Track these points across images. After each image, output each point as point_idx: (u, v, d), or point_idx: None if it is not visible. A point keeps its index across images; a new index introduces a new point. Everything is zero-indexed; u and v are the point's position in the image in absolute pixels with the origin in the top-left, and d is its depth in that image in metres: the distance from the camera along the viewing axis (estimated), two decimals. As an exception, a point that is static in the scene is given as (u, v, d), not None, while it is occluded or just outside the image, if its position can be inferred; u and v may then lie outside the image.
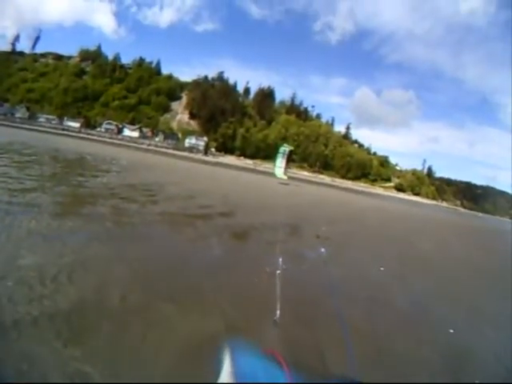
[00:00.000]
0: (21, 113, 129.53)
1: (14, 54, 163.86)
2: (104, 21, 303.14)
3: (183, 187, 25.58)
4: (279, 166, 51.71)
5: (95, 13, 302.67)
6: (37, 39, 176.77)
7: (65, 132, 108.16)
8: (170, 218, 14.48)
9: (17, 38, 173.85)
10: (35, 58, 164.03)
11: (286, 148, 53.60)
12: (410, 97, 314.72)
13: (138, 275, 7.73)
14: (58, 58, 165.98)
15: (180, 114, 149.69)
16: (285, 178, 50.17)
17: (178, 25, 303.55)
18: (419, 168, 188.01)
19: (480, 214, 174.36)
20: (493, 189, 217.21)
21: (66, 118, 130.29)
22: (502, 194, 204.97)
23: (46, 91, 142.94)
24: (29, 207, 11.97)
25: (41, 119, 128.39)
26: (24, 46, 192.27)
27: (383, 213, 47.99)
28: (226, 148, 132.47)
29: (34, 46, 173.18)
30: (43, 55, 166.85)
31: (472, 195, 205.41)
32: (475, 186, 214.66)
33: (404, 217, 49.71)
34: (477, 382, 5.85)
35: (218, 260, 9.86)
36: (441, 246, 23.72)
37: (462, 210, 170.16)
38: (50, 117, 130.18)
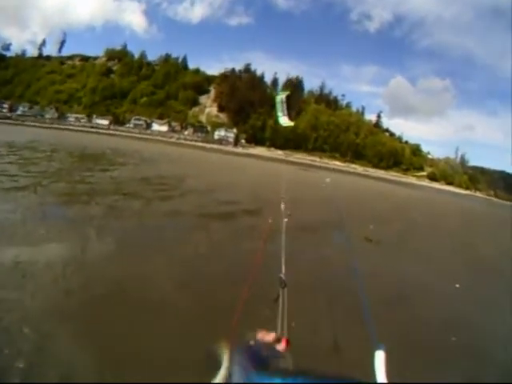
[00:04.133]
0: (50, 114, 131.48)
1: (41, 59, 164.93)
2: (134, 20, 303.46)
3: (205, 180, 22.96)
4: (281, 114, 49.22)
5: (125, 12, 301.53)
6: (62, 43, 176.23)
7: (94, 130, 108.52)
8: (178, 220, 11.67)
9: (43, 43, 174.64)
10: (62, 60, 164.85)
11: (282, 95, 51.55)
12: (447, 85, 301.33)
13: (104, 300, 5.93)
14: (85, 59, 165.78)
15: (209, 108, 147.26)
16: (291, 123, 48.07)
17: (208, 20, 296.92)
18: (452, 156, 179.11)
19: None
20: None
21: (94, 116, 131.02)
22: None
23: (74, 92, 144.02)
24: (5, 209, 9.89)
25: (70, 119, 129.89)
26: (51, 50, 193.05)
27: (426, 205, 44.31)
28: (255, 139, 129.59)
29: (60, 50, 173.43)
30: (70, 57, 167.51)
31: (506, 184, 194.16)
32: (509, 175, 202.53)
33: (449, 210, 45.48)
34: None
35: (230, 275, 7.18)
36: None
37: (495, 200, 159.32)
38: (79, 116, 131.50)
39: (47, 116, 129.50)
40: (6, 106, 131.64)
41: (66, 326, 5.11)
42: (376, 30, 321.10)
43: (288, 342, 1.83)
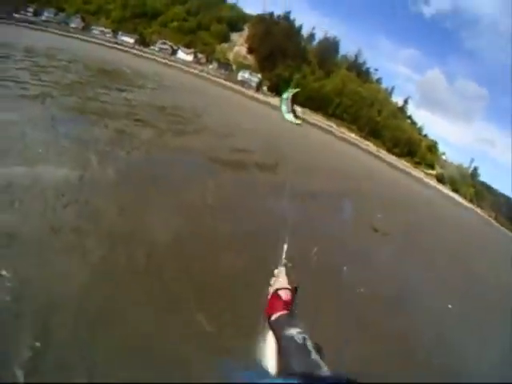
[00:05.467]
0: (75, 23, 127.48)
1: None
2: None
3: (222, 121, 21.94)
4: (287, 111, 49.21)
5: None
6: None
7: (117, 46, 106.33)
8: (188, 160, 10.80)
9: None
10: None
11: (289, 93, 51.83)
12: (483, 94, 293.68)
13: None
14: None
15: (238, 46, 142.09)
16: (299, 122, 48.21)
17: None
18: (465, 165, 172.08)
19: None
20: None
21: (120, 33, 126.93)
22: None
23: (103, 4, 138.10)
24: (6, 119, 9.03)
25: (95, 31, 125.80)
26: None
27: (434, 209, 43.57)
28: (277, 90, 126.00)
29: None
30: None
31: (508, 211, 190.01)
32: None
33: (452, 218, 44.50)
34: None
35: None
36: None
37: (495, 223, 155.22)
38: (105, 29, 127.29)
39: (72, 25, 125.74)
40: (30, 9, 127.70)
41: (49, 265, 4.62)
42: (431, 15, 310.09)
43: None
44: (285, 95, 56.43)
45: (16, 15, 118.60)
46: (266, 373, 1.30)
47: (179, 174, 9.43)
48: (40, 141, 8.35)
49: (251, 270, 5.78)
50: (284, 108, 55.04)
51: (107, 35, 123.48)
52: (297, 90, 56.35)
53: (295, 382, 1.24)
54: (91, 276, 4.59)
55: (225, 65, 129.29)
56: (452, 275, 13.72)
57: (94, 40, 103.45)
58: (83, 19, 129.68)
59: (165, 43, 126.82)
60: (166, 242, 6.00)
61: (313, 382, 1.24)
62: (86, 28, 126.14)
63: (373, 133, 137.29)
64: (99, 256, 5.04)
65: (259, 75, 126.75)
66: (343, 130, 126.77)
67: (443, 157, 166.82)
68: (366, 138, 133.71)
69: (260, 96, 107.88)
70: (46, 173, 6.87)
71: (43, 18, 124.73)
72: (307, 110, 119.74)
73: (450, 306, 9.52)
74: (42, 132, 9.08)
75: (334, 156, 34.19)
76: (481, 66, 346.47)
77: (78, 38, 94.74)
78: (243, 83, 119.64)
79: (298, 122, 53.65)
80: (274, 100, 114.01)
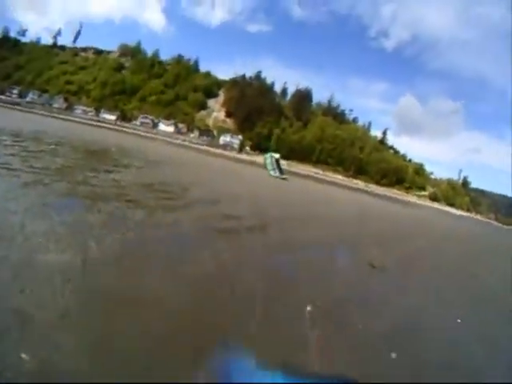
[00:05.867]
0: (58, 103, 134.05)
1: (55, 48, 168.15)
2: (153, 18, 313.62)
3: (210, 189, 22.56)
4: (272, 168, 52.32)
5: (145, 10, 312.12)
6: (78, 33, 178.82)
7: (100, 124, 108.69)
8: (181, 235, 11.30)
9: (58, 33, 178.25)
10: (76, 51, 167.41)
11: (271, 157, 54.95)
12: (458, 107, 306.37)
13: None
14: (98, 52, 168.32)
15: (216, 112, 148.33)
16: (285, 176, 50.87)
17: (228, 24, 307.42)
18: (454, 178, 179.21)
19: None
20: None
21: (102, 111, 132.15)
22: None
23: (84, 84, 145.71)
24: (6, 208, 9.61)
25: (77, 110, 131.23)
26: (66, 40, 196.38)
27: (429, 228, 42.92)
28: (260, 148, 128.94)
29: (75, 40, 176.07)
30: (84, 49, 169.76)
31: (507, 209, 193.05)
32: (511, 199, 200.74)
33: (451, 233, 44.31)
34: None
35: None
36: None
37: (496, 223, 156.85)
38: (87, 109, 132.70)
39: (55, 105, 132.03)
40: (15, 91, 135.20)
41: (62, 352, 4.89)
42: (393, 48, 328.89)
43: None
44: (267, 155, 59.38)
45: (2, 96, 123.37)
46: (274, 371, 1.45)
47: (174, 248, 9.84)
48: (39, 230, 8.74)
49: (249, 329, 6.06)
50: (269, 166, 57.59)
51: (89, 114, 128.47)
52: (278, 156, 59.93)
53: (299, 381, 1.37)
54: (100, 355, 4.87)
55: (206, 131, 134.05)
56: (453, 287, 13.66)
57: (77, 119, 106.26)
58: (66, 99, 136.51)
59: (146, 117, 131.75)
60: (165, 312, 6.31)
61: (315, 382, 1.35)
62: (68, 108, 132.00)
63: (359, 170, 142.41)
64: (109, 338, 5.35)
65: (240, 136, 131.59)
66: (329, 173, 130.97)
67: (432, 176, 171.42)
68: (353, 176, 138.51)
69: (243, 156, 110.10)
70: (50, 261, 7.22)
71: (28, 99, 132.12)
72: (292, 162, 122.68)
73: (459, 321, 9.59)
74: (39, 220, 9.50)
75: (324, 202, 34.66)
76: (450, 81, 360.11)
77: (62, 118, 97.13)
78: (226, 147, 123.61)
79: (284, 176, 56.09)
80: (259, 158, 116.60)
